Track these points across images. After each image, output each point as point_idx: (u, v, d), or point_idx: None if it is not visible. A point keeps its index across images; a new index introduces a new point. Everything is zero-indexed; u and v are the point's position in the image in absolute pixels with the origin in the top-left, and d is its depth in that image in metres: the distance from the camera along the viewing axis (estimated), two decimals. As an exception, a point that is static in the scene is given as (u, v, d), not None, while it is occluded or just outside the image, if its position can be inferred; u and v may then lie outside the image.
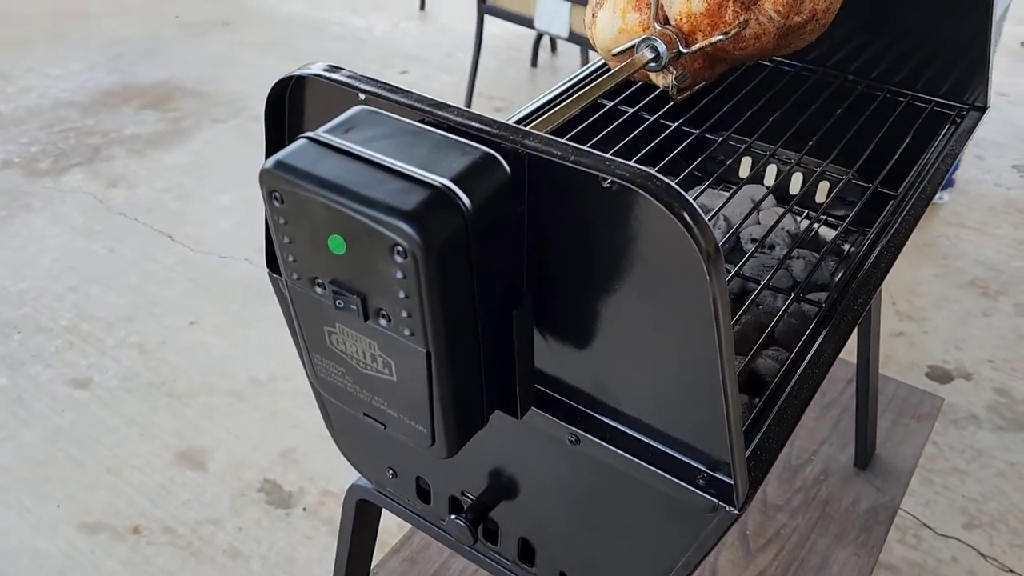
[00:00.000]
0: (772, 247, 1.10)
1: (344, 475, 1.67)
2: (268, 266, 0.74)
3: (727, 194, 1.15)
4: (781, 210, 1.14)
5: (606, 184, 0.51)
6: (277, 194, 0.50)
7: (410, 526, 1.36)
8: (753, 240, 1.12)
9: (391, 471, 0.82)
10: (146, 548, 1.62)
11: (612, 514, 0.67)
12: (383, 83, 0.58)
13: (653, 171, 0.49)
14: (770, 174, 1.20)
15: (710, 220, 1.08)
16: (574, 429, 0.63)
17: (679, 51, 0.73)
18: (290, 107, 0.65)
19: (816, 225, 1.13)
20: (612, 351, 0.59)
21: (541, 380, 0.64)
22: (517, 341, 0.56)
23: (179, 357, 2.02)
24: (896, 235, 0.83)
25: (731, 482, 0.57)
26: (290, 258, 0.53)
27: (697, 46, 0.72)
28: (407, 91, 0.57)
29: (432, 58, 3.38)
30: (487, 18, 2.82)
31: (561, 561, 0.74)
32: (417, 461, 0.79)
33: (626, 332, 0.57)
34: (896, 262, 0.86)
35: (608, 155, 0.51)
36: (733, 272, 0.84)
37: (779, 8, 0.73)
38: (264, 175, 0.50)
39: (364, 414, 0.59)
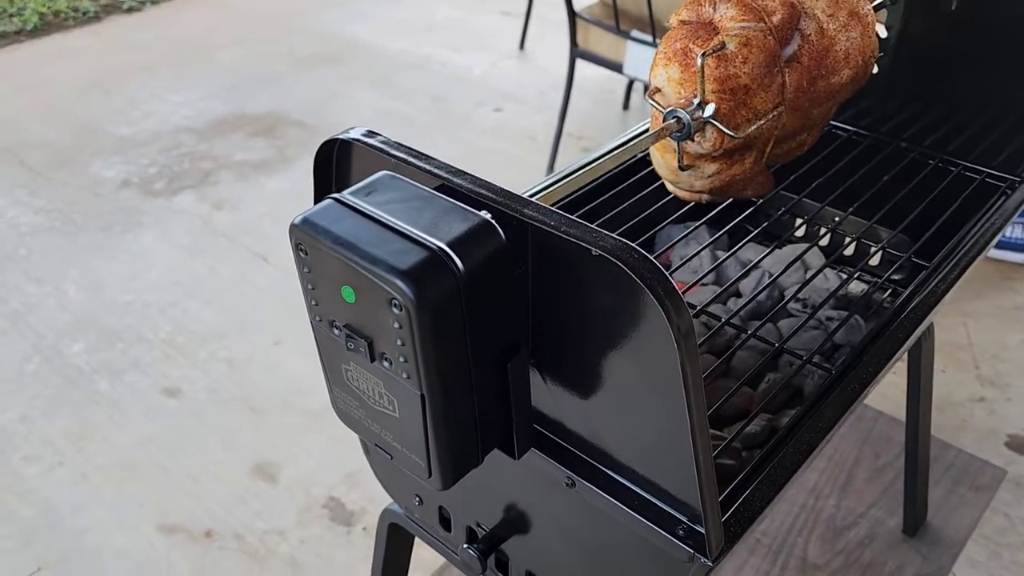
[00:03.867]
0: (814, 307, 1.12)
1: (402, 498, 1.74)
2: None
3: (772, 248, 1.18)
4: (827, 270, 1.16)
5: (595, 253, 0.56)
6: (302, 247, 0.57)
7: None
8: (797, 299, 1.14)
9: (417, 498, 0.88)
10: (216, 552, 1.72)
11: (604, 556, 0.71)
12: (411, 150, 0.65)
13: (634, 244, 0.54)
14: (816, 233, 1.21)
15: (748, 272, 1.11)
16: (570, 473, 0.68)
17: (695, 104, 0.77)
18: (337, 163, 0.73)
19: (865, 287, 1.15)
20: (604, 402, 0.64)
21: (543, 423, 0.69)
22: (512, 390, 0.61)
23: (262, 374, 2.15)
24: (919, 307, 0.84)
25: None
26: (313, 302, 0.60)
27: (699, 84, 0.76)
28: (431, 158, 0.64)
29: (527, 97, 3.48)
30: (582, 62, 2.90)
31: (563, 597, 0.78)
32: (438, 491, 0.85)
33: (615, 387, 0.62)
34: (921, 330, 0.87)
35: (596, 227, 0.56)
36: (749, 334, 0.87)
37: (740, 14, 0.76)
38: (292, 229, 0.57)
39: (375, 444, 0.65)
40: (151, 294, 2.42)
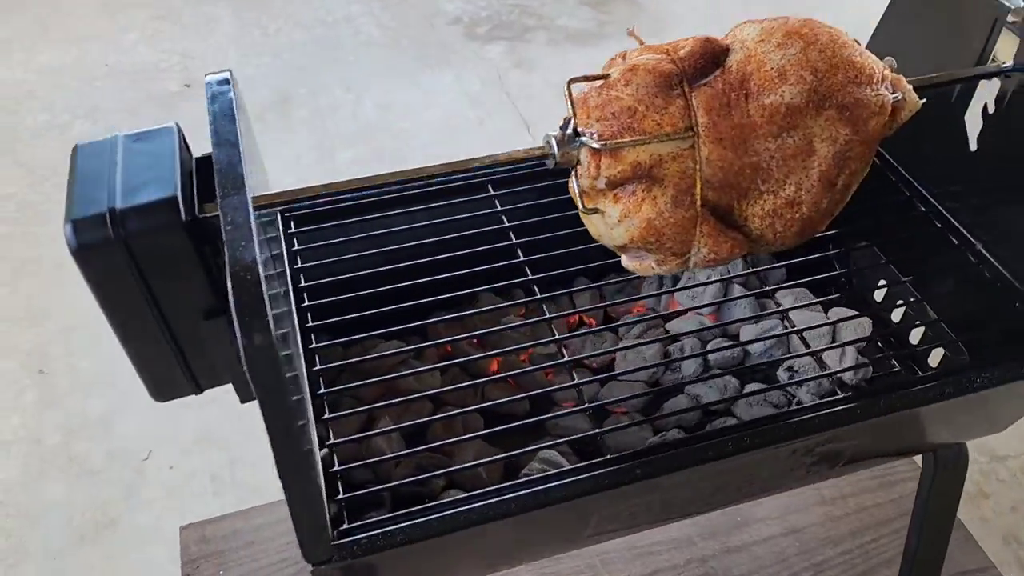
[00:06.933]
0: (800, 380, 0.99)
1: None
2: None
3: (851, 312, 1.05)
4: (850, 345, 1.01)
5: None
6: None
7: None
8: (789, 369, 1.01)
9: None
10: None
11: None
12: (229, 112, 0.70)
13: (253, 266, 0.57)
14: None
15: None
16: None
17: (564, 130, 0.74)
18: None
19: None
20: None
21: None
22: (216, 345, 0.68)
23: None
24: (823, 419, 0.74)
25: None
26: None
27: (569, 107, 0.73)
28: (232, 125, 0.69)
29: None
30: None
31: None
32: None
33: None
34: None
35: (253, 232, 0.59)
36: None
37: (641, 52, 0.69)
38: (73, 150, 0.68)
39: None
40: (424, 129, 2.67)
